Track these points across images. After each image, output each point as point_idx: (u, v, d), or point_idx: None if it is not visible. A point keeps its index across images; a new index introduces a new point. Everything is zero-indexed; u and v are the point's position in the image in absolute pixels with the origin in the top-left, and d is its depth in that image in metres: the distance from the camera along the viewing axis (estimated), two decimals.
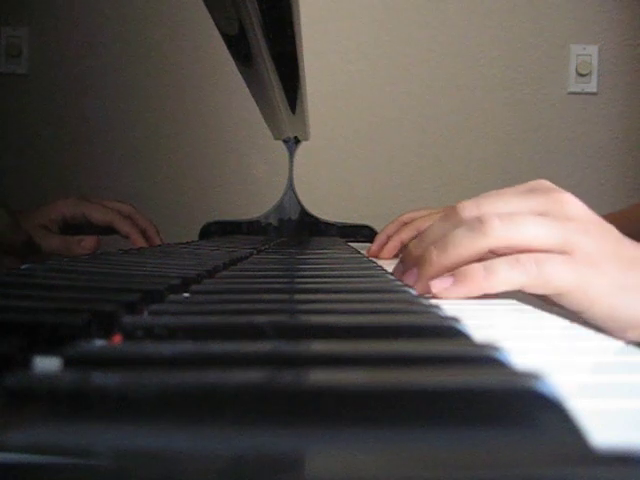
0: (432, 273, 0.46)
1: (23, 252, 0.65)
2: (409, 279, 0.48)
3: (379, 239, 0.98)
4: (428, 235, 0.49)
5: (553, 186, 0.49)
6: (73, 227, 0.97)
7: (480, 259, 0.46)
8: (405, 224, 0.97)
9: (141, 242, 0.98)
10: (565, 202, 0.47)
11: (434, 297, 0.45)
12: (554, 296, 0.45)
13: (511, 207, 0.47)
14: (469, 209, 0.47)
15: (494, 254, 0.46)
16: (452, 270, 0.46)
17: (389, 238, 0.97)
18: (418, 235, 0.51)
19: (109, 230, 0.99)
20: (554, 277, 0.44)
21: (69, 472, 0.13)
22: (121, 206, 1.01)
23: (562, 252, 0.45)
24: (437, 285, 0.45)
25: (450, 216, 0.48)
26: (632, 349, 0.27)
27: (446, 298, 0.44)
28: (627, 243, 0.47)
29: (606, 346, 0.29)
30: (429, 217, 0.92)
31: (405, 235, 0.94)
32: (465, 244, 0.45)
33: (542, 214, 0.46)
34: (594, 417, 0.17)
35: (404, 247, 0.92)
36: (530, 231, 0.45)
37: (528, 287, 0.44)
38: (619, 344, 0.28)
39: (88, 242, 0.92)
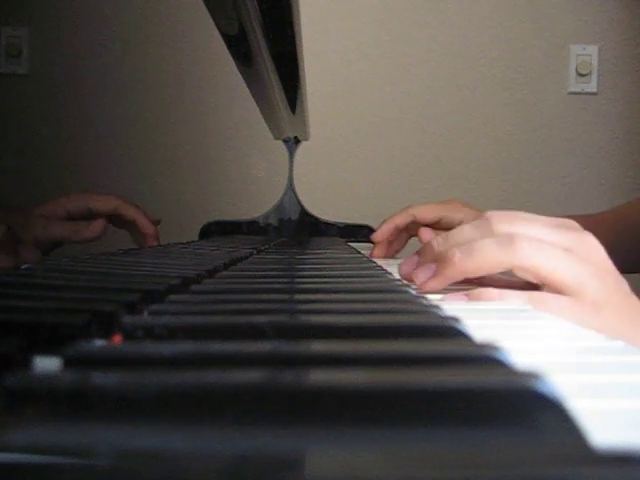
0: (450, 273, 0.47)
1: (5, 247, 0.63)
2: (424, 273, 0.48)
3: (388, 229, 0.95)
4: (454, 237, 0.49)
5: (580, 228, 0.50)
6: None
7: (488, 281, 0.48)
8: (414, 216, 0.95)
9: (149, 227, 0.94)
10: (588, 245, 0.48)
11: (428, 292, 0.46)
12: None
13: (541, 235, 0.48)
14: (502, 224, 0.48)
15: (510, 274, 0.47)
16: (469, 276, 0.47)
17: (398, 229, 0.96)
18: (444, 234, 0.51)
19: (117, 222, 0.97)
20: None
21: (69, 472, 0.13)
22: (106, 198, 0.97)
23: (572, 290, 0.46)
24: (450, 299, 0.46)
25: (481, 225, 0.49)
26: (632, 349, 0.27)
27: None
28: (633, 300, 0.48)
29: (606, 346, 0.29)
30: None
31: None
32: (490, 255, 0.46)
33: (567, 249, 0.47)
34: (594, 417, 0.17)
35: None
36: (552, 263, 0.46)
37: None
38: (619, 344, 0.28)
39: (96, 225, 0.90)
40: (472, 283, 0.50)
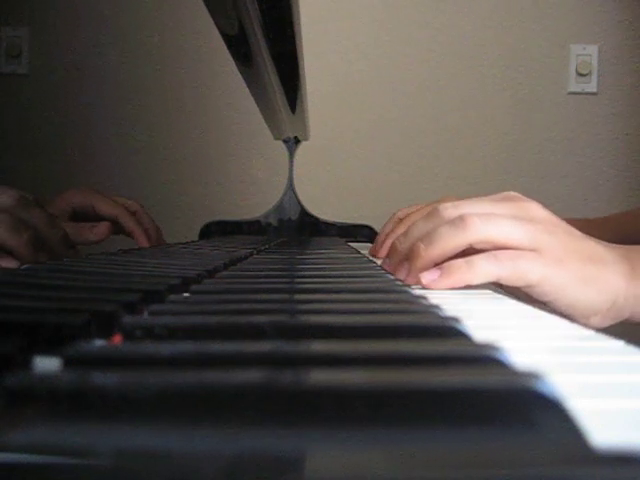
0: (421, 265, 0.52)
1: (59, 248, 0.65)
2: (401, 273, 0.53)
3: (379, 239, 0.98)
4: (413, 232, 0.55)
5: (522, 196, 0.55)
6: (81, 218, 0.96)
7: (462, 254, 0.52)
8: (401, 220, 0.97)
9: (143, 240, 0.97)
10: (532, 209, 0.53)
11: (424, 288, 0.50)
12: (525, 288, 0.51)
13: (487, 210, 0.53)
14: (450, 210, 0.53)
15: (474, 249, 0.51)
16: (438, 262, 0.52)
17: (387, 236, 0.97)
18: (402, 233, 0.57)
19: (115, 229, 0.98)
20: (526, 271, 0.50)
21: (69, 472, 0.13)
22: (129, 203, 1.00)
23: (531, 249, 0.51)
24: (427, 277, 0.50)
25: (433, 216, 0.54)
26: (632, 349, 0.27)
27: (435, 289, 0.50)
28: (588, 241, 0.53)
29: (606, 346, 0.29)
30: (421, 212, 0.93)
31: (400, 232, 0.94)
32: (449, 238, 0.51)
33: (514, 217, 0.52)
34: (594, 417, 0.17)
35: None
36: (504, 229, 0.51)
37: (504, 279, 0.51)
38: (619, 344, 0.28)
39: (100, 228, 0.91)
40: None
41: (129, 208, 0.99)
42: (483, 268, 0.50)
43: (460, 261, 0.50)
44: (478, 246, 0.51)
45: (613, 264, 0.53)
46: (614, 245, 0.55)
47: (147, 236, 0.99)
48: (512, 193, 0.55)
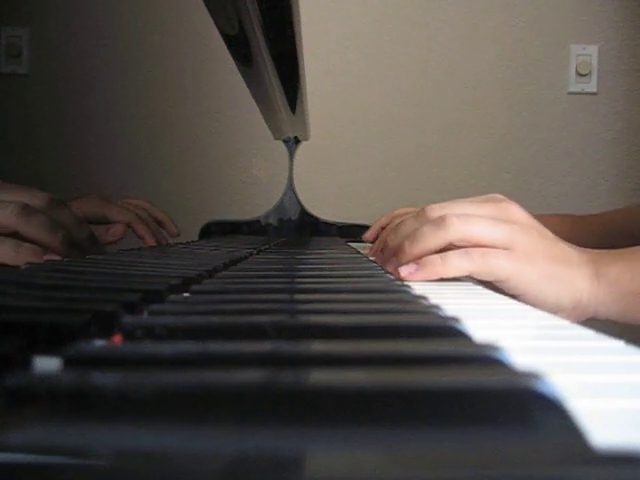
0: (406, 261, 0.57)
1: (87, 246, 0.68)
2: (390, 266, 0.59)
3: (374, 228, 1.07)
4: (401, 230, 0.60)
5: (504, 198, 0.60)
6: (92, 224, 1.01)
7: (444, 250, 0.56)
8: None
9: (153, 243, 1.03)
10: (512, 211, 0.58)
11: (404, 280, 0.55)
12: (496, 282, 0.56)
13: (469, 211, 0.58)
14: (435, 211, 0.58)
15: (455, 246, 0.56)
16: (421, 257, 0.57)
17: (382, 229, 1.03)
18: (394, 229, 0.62)
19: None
20: (495, 266, 0.55)
21: (69, 472, 0.13)
22: (137, 202, 1.06)
23: (505, 247, 0.55)
24: (404, 270, 0.56)
25: (420, 215, 0.60)
26: (632, 349, 0.27)
27: (411, 281, 0.55)
28: (559, 243, 0.58)
29: (606, 346, 0.29)
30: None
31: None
32: (430, 237, 0.56)
33: (494, 218, 0.57)
34: (594, 417, 0.17)
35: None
36: (480, 229, 0.55)
37: (475, 274, 0.55)
38: (619, 344, 0.28)
39: (116, 229, 0.96)
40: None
41: (137, 207, 1.04)
42: (455, 263, 0.55)
43: (435, 256, 0.55)
44: (458, 244, 0.56)
45: (579, 266, 0.57)
46: (584, 249, 0.59)
47: (162, 226, 1.07)
48: (496, 195, 0.60)
